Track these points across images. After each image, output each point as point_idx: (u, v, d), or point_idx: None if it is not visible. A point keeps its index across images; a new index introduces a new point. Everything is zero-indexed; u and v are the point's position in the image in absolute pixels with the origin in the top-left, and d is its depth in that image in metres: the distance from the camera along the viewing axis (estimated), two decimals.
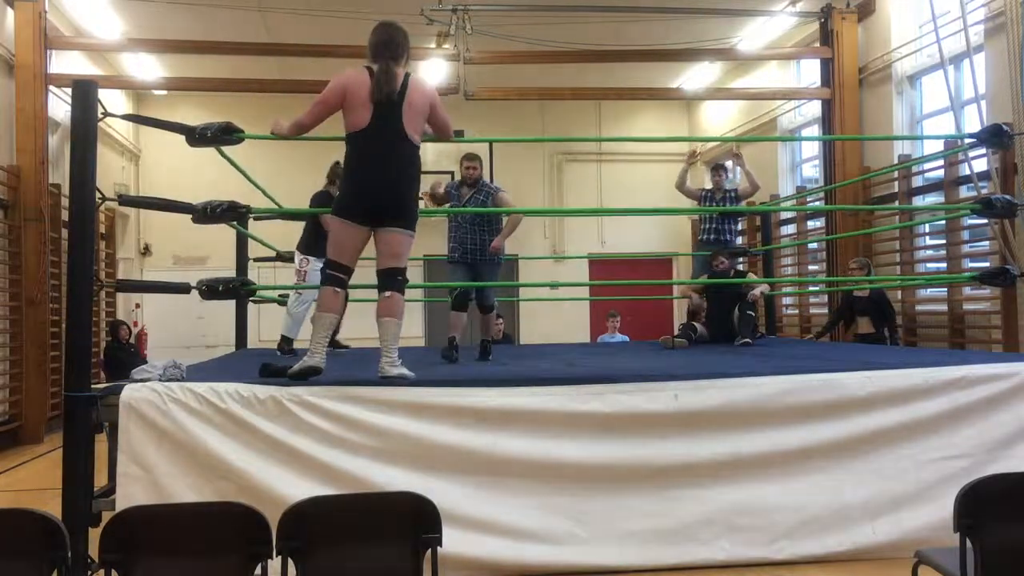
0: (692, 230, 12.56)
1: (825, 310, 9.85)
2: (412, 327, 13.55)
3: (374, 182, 4.29)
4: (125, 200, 5.58)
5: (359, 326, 6.78)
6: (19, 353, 8.86)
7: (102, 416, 4.02)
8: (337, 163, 7.05)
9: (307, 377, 4.24)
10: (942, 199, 8.24)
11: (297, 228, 7.30)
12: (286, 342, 6.98)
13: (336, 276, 4.34)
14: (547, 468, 4.17)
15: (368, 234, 4.37)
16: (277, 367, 4.42)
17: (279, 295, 7.52)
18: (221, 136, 4.43)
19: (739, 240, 9.79)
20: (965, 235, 8.26)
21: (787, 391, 4.39)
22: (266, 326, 11.77)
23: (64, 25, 10.00)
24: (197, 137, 4.54)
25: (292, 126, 4.49)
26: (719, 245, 8.13)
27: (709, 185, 8.51)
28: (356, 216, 4.31)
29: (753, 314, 7.64)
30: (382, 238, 4.35)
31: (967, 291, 8.03)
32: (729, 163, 11.08)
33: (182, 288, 4.80)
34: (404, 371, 4.30)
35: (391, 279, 4.35)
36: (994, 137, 5.54)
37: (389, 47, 4.32)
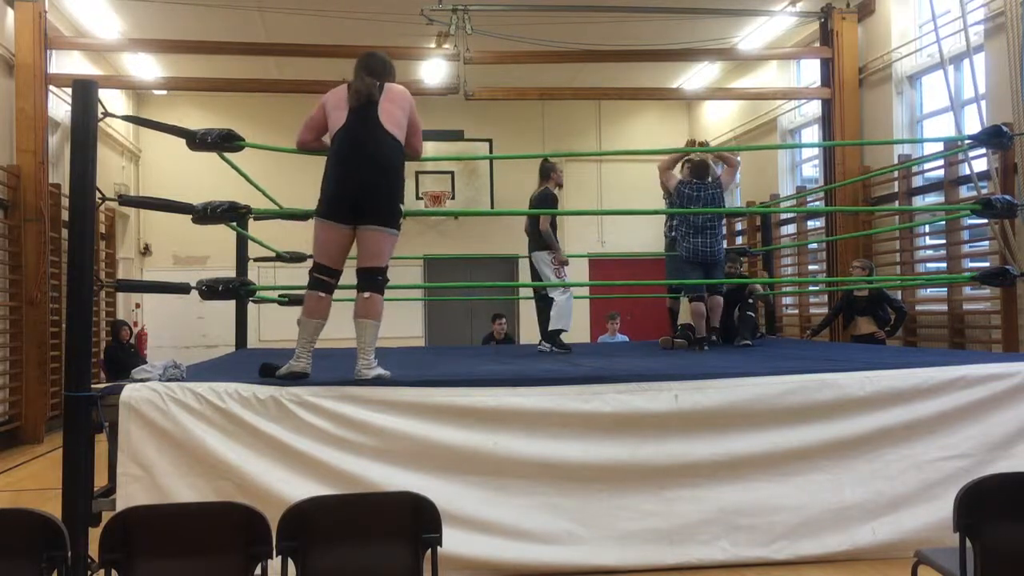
0: None
1: (825, 310, 9.85)
2: (412, 327, 13.54)
3: (352, 177, 4.20)
4: (125, 200, 5.56)
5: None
6: (19, 353, 8.86)
7: (102, 416, 4.01)
8: (545, 160, 7.32)
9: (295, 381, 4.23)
10: (942, 199, 8.24)
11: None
12: (556, 334, 7.07)
13: (321, 280, 4.27)
14: (547, 468, 4.17)
15: (351, 234, 4.26)
16: (275, 366, 4.39)
17: (279, 295, 7.52)
18: (221, 143, 4.41)
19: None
20: (965, 235, 8.26)
21: (787, 391, 4.39)
22: (266, 326, 11.78)
23: (64, 25, 10.00)
24: (197, 142, 4.53)
25: (297, 144, 4.57)
26: None
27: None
28: (337, 215, 4.23)
29: (753, 315, 7.63)
30: (361, 236, 4.24)
31: (967, 291, 8.04)
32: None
33: (182, 288, 4.79)
34: (381, 372, 4.28)
35: (370, 279, 4.26)
36: (994, 137, 5.54)
37: (367, 66, 4.33)
